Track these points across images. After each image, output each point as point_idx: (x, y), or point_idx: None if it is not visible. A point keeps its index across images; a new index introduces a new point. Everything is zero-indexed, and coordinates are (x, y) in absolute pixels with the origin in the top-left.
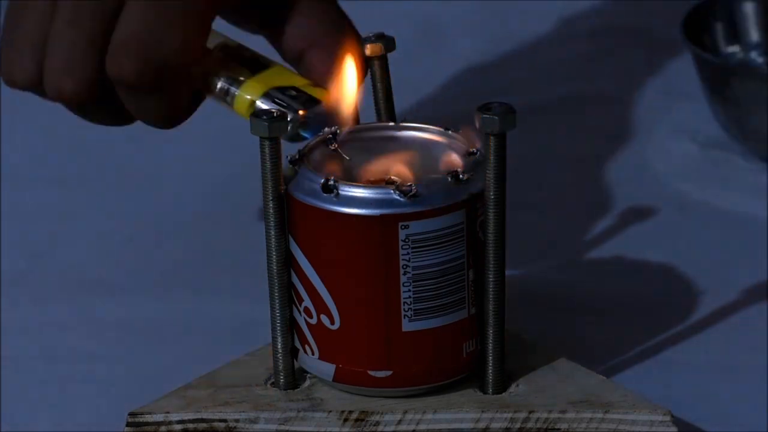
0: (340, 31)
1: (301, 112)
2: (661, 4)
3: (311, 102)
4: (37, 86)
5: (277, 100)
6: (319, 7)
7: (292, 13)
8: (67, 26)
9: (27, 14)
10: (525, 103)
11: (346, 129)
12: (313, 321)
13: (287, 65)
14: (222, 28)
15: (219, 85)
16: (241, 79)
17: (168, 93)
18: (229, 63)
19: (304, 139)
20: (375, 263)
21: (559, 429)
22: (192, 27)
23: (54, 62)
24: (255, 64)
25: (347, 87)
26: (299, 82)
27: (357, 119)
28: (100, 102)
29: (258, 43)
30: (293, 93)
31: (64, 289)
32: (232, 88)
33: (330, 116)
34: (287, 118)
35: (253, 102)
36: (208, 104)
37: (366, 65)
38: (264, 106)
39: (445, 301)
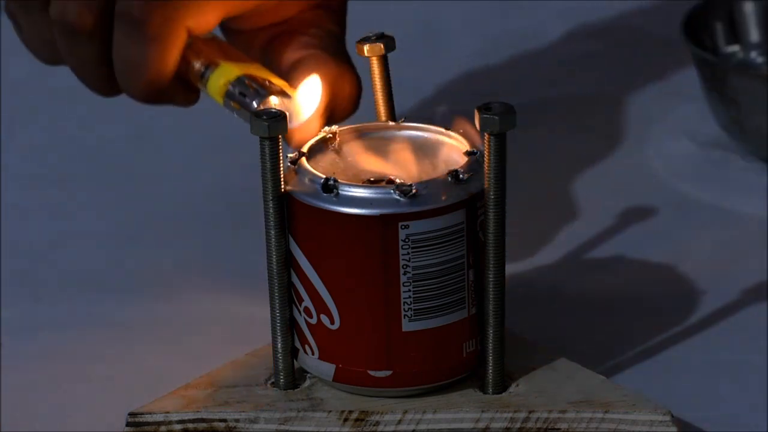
0: (330, 55)
1: (272, 100)
2: (661, 4)
3: (282, 95)
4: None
5: (249, 83)
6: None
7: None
8: None
9: None
10: (525, 103)
11: (345, 129)
12: (313, 321)
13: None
14: None
15: (197, 67)
16: (218, 62)
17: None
18: (211, 49)
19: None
20: (375, 263)
21: (559, 429)
22: None
23: None
24: (236, 57)
25: (309, 97)
26: (276, 80)
27: (316, 129)
28: (93, 38)
29: None
30: (267, 83)
31: (64, 289)
32: (208, 71)
33: (293, 114)
34: (285, 117)
35: (226, 83)
36: (206, 104)
37: (332, 104)
38: (235, 90)
39: (445, 301)
